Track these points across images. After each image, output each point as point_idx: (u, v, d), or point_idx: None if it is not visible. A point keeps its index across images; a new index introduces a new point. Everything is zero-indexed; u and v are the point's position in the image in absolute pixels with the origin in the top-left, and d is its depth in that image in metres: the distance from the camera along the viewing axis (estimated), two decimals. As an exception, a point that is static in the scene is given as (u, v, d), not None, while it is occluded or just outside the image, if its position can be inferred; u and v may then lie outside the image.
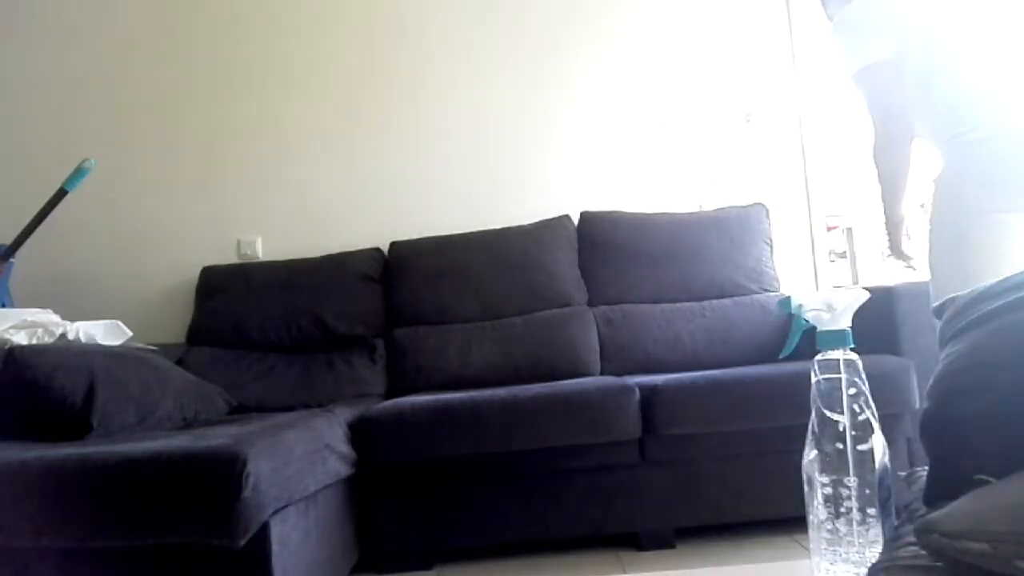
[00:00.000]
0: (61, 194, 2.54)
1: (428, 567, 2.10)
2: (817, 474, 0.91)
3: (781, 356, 1.32)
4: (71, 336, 2.25)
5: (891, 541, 0.82)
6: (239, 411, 2.40)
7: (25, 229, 2.57)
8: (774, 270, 2.87)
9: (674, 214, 2.91)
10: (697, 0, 3.17)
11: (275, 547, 1.52)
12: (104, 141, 3.09)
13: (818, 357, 1.10)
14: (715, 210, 2.94)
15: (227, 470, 1.41)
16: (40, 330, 2.21)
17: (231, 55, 3.16)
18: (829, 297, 1.09)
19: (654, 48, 3.16)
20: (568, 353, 2.63)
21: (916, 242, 1.75)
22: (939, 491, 0.82)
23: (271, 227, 3.12)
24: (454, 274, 2.82)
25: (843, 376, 1.01)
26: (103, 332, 2.33)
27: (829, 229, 3.37)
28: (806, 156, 3.17)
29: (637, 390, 2.11)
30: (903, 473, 1.15)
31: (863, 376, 1.04)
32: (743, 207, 2.91)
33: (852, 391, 1.00)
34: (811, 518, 0.92)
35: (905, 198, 1.72)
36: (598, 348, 2.68)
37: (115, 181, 3.05)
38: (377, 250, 2.95)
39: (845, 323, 1.09)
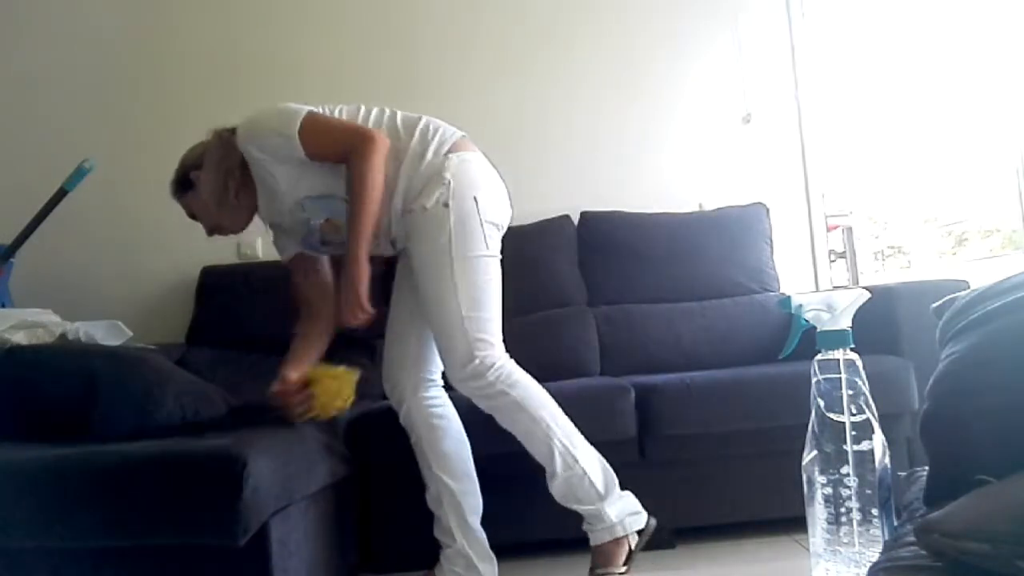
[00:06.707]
0: (61, 194, 2.54)
1: (428, 567, 2.10)
2: (817, 474, 0.91)
3: (781, 356, 1.32)
4: (71, 336, 2.25)
5: (891, 541, 0.82)
6: (239, 411, 2.40)
7: (25, 229, 2.56)
8: (774, 270, 2.87)
9: (674, 214, 2.91)
10: (696, 0, 3.18)
11: (275, 547, 1.52)
12: (104, 141, 3.09)
13: (818, 357, 1.10)
14: (715, 210, 2.93)
15: (227, 470, 1.41)
16: (40, 330, 2.21)
17: (232, 54, 3.15)
18: (829, 297, 1.10)
19: (654, 48, 3.16)
20: (567, 353, 2.62)
21: None
22: (939, 491, 0.82)
23: (271, 227, 3.11)
24: (454, 274, 2.81)
25: (843, 376, 1.01)
26: (103, 332, 2.33)
27: (829, 229, 3.37)
28: (806, 156, 3.17)
29: (632, 390, 2.10)
30: (903, 473, 1.15)
31: (863, 376, 1.04)
32: (743, 207, 2.91)
33: (852, 391, 1.00)
34: (811, 518, 0.92)
35: None
36: (598, 348, 2.68)
37: (115, 181, 3.04)
38: (377, 250, 2.94)
39: (845, 323, 1.09)
